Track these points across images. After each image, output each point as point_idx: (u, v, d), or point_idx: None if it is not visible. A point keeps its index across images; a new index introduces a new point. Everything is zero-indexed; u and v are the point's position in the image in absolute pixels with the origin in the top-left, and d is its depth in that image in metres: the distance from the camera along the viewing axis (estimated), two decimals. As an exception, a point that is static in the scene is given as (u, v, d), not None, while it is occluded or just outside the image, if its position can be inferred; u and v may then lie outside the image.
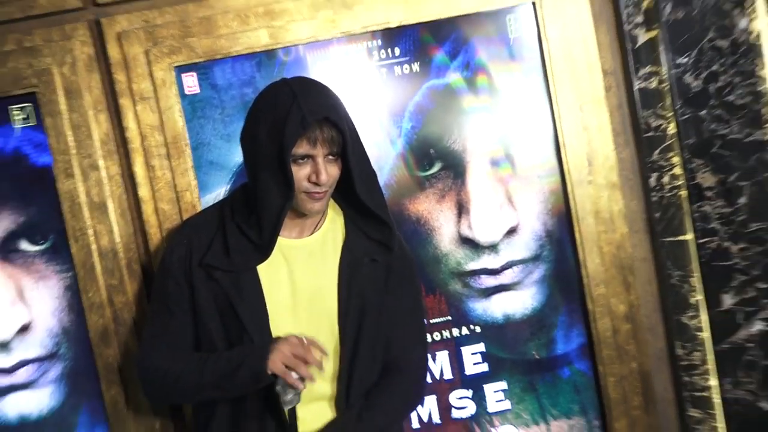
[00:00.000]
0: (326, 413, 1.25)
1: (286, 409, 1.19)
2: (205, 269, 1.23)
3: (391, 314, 1.29)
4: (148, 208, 1.46)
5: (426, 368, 1.38)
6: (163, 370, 1.26)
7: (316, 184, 1.20)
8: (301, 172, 1.19)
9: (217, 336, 1.24)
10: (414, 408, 1.45)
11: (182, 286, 1.25)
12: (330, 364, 1.24)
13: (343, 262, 1.26)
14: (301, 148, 1.18)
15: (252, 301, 1.22)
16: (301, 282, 1.25)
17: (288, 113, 1.17)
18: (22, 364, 1.47)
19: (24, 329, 1.47)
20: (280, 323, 1.24)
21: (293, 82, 1.22)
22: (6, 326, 1.46)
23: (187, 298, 1.25)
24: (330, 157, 1.21)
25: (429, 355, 1.51)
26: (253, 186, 1.23)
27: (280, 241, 1.24)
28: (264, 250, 1.22)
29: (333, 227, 1.29)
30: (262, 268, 1.24)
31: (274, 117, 1.20)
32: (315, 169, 1.19)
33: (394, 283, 1.29)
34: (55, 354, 1.48)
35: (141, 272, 1.48)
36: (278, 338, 1.20)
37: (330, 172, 1.21)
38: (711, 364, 1.55)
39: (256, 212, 1.22)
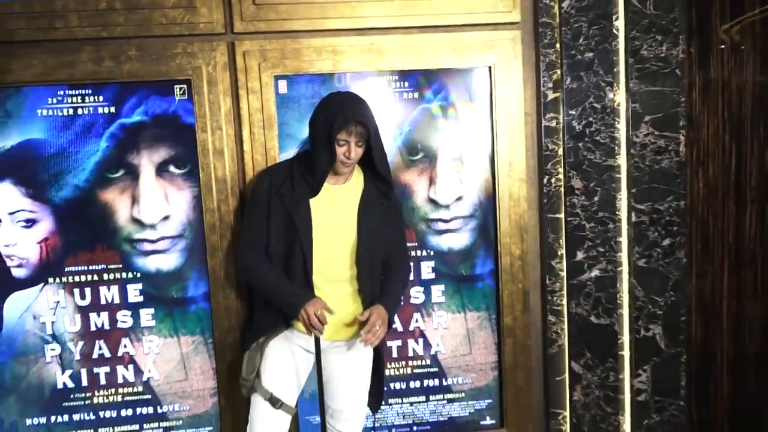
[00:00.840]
0: (347, 290, 1.92)
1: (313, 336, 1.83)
2: (279, 197, 1.88)
3: (388, 235, 1.96)
4: (247, 157, 2.21)
5: (410, 266, 2.11)
6: (255, 268, 1.87)
7: (348, 158, 1.84)
8: (339, 150, 1.83)
9: (278, 239, 1.87)
10: (406, 288, 2.19)
11: (265, 206, 1.88)
12: (347, 258, 1.92)
13: (362, 201, 1.92)
14: (342, 136, 1.81)
15: (304, 218, 1.87)
16: (335, 210, 1.89)
17: (336, 113, 1.79)
18: (162, 238, 2.22)
19: (165, 218, 2.21)
20: (320, 233, 1.87)
21: (343, 94, 1.89)
22: (155, 215, 2.21)
23: (266, 214, 1.88)
24: (359, 143, 1.84)
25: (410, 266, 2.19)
26: (312, 152, 1.90)
27: (325, 186, 1.91)
28: (315, 190, 1.89)
29: (357, 182, 1.95)
30: (312, 201, 1.88)
31: (328, 113, 1.81)
32: (348, 149, 1.83)
33: (390, 217, 1.97)
34: (182, 235, 2.23)
35: (239, 194, 2.22)
36: (314, 297, 1.82)
37: (357, 153, 1.85)
38: (565, 291, 2.36)
39: (312, 167, 1.88)
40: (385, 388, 2.38)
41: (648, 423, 2.43)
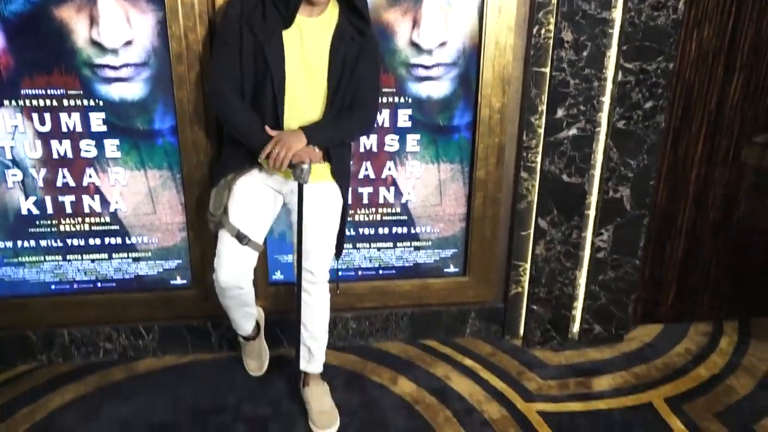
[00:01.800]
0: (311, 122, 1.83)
1: (299, 182, 1.79)
2: (249, 27, 1.75)
3: (359, 72, 1.85)
4: None
5: (376, 108, 1.95)
6: (225, 100, 1.77)
7: None
8: None
9: (249, 71, 1.77)
10: (365, 132, 2.06)
11: (237, 33, 1.77)
12: (320, 97, 1.83)
13: (335, 35, 1.82)
14: None
15: (276, 51, 1.77)
16: (307, 44, 1.80)
17: None
18: (125, 65, 2.08)
19: (128, 43, 2.06)
20: (291, 67, 1.78)
21: None
22: (116, 39, 2.05)
23: (238, 42, 1.77)
24: None
25: (378, 110, 2.14)
26: None
27: (298, 18, 1.78)
28: (288, 21, 1.77)
29: (331, 15, 1.84)
30: (285, 33, 1.78)
31: None
32: None
33: (363, 54, 1.85)
34: (146, 63, 2.08)
35: (207, 23, 2.06)
36: (278, 134, 1.76)
37: None
38: (540, 148, 2.33)
39: None
40: (354, 233, 2.42)
41: (603, 278, 2.54)
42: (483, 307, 2.58)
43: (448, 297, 2.53)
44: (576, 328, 2.64)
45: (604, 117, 2.34)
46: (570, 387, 2.32)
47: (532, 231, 2.46)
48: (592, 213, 2.47)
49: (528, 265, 2.52)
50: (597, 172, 2.41)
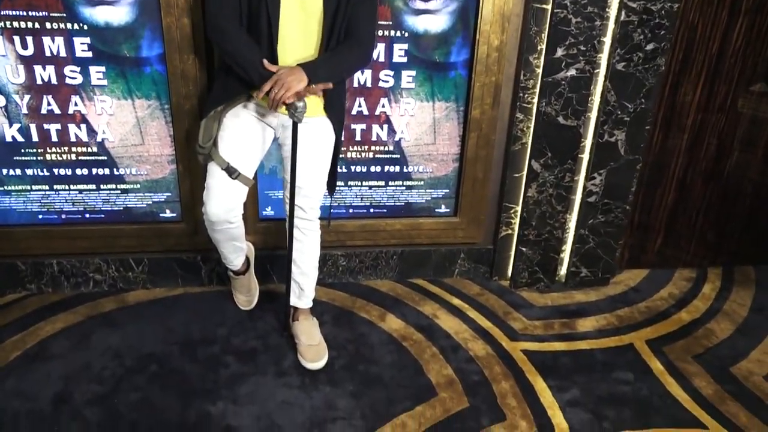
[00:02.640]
0: (307, 59, 1.77)
1: (294, 120, 1.73)
2: None
3: (355, 5, 1.78)
4: None
5: (373, 43, 1.88)
6: (225, 29, 1.71)
7: None
8: None
9: (244, 2, 1.71)
10: (361, 67, 1.93)
11: None
12: (315, 32, 1.77)
13: None
14: None
15: None
16: None
17: None
18: None
19: None
20: (286, 3, 1.71)
21: None
22: None
23: None
24: None
25: (375, 46, 2.02)
26: None
27: None
28: None
29: None
30: None
31: None
32: None
33: None
34: None
35: None
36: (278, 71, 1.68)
37: None
38: (537, 89, 2.28)
39: None
40: (346, 170, 2.39)
41: (592, 222, 2.53)
42: (472, 248, 2.58)
43: (438, 237, 2.52)
44: (563, 270, 2.65)
45: (603, 58, 2.28)
46: (554, 327, 2.34)
47: (525, 173, 2.43)
48: (585, 157, 2.44)
49: (519, 208, 2.50)
50: (593, 115, 2.36)
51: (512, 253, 2.59)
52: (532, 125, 2.35)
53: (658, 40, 2.24)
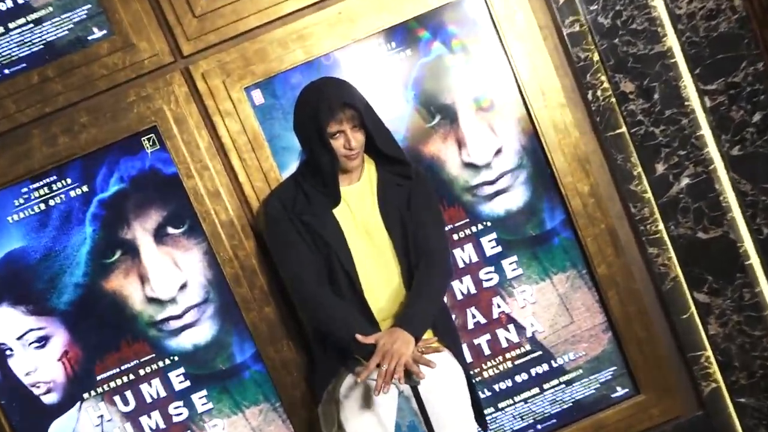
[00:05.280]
0: (394, 289, 1.84)
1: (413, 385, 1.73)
2: (298, 218, 1.83)
3: (417, 218, 1.86)
4: (247, 188, 2.15)
5: (448, 253, 1.97)
6: (318, 298, 1.79)
7: (350, 149, 1.79)
8: (338, 143, 1.78)
9: (310, 259, 1.81)
10: (448, 284, 1.99)
11: (292, 228, 1.82)
12: (390, 258, 1.84)
13: (379, 191, 1.87)
14: (333, 128, 1.77)
15: (334, 232, 1.82)
16: (358, 212, 1.86)
17: (318, 105, 1.76)
18: (187, 309, 2.17)
19: (183, 287, 2.17)
20: (353, 240, 1.83)
21: (318, 81, 1.86)
22: (170, 287, 2.17)
23: (296, 234, 1.81)
24: (354, 128, 1.79)
25: (453, 249, 2.17)
26: (309, 157, 1.86)
27: (342, 190, 1.85)
28: (334, 197, 1.84)
29: (369, 173, 1.91)
30: (335, 211, 1.85)
31: (309, 109, 1.80)
32: (347, 140, 1.78)
33: (415, 197, 1.88)
34: (207, 299, 2.18)
35: (253, 233, 2.16)
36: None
37: (357, 139, 1.79)
38: (657, 214, 2.21)
39: (318, 174, 1.83)
40: (489, 393, 2.29)
41: (808, 331, 2.20)
42: (678, 423, 2.31)
43: (632, 427, 2.29)
44: (807, 405, 2.25)
45: (712, 151, 2.21)
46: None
47: (693, 311, 2.26)
48: (754, 261, 2.22)
49: (709, 353, 2.28)
50: (736, 214, 2.21)
51: (731, 410, 2.28)
52: (672, 255, 2.24)
53: (763, 107, 2.14)
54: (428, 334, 1.85)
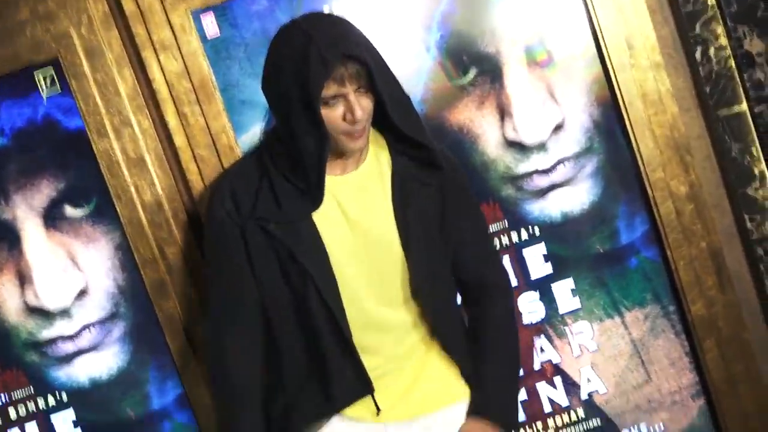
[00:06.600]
0: (399, 334, 1.49)
1: None
2: (257, 225, 1.41)
3: (458, 234, 1.51)
4: (185, 156, 1.74)
5: (507, 274, 1.65)
6: (223, 366, 1.47)
7: (353, 122, 1.37)
8: (334, 114, 1.35)
9: (280, 290, 1.42)
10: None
11: (237, 239, 1.42)
12: (400, 295, 1.45)
13: (396, 191, 1.46)
14: (330, 90, 1.34)
15: (311, 249, 1.41)
16: (356, 218, 1.45)
17: (307, 57, 1.33)
18: (85, 327, 1.77)
19: (81, 294, 1.77)
20: (343, 265, 1.43)
21: (304, 22, 1.39)
22: (63, 293, 1.76)
23: (242, 255, 1.43)
24: (360, 90, 1.38)
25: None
26: (285, 133, 1.41)
27: (329, 181, 1.41)
28: (314, 197, 1.40)
29: (377, 158, 1.48)
30: (317, 216, 1.42)
31: (293, 63, 1.36)
32: (348, 108, 1.35)
33: (453, 201, 1.51)
34: (116, 314, 1.78)
35: (188, 221, 1.75)
36: None
37: (365, 106, 1.37)
38: None
39: (296, 159, 1.39)
40: None
41: None
42: None
43: None
44: None
45: None
46: None
47: None
48: None
49: None
50: None
51: None
52: None
53: None
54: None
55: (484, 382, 1.55)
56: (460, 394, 1.55)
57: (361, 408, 1.48)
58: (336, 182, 1.47)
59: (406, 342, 1.53)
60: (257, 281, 1.47)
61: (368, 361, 1.48)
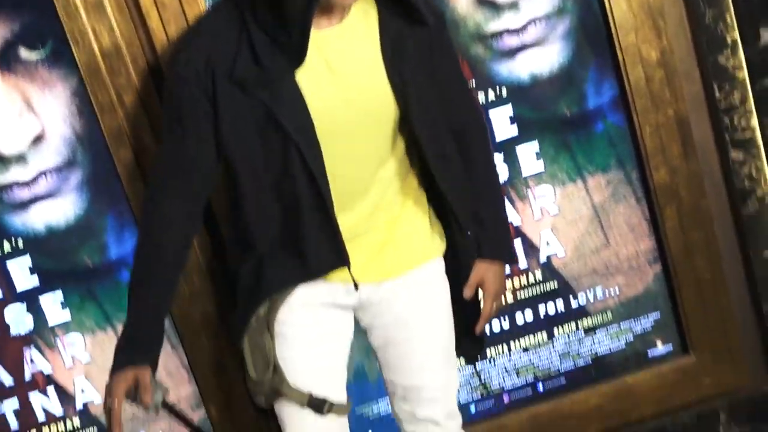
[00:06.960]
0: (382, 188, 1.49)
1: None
2: (235, 84, 1.34)
3: (444, 79, 1.50)
4: (146, 1, 1.64)
5: (485, 123, 1.68)
6: (148, 233, 1.46)
7: None
8: None
9: (257, 154, 1.38)
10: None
11: (201, 103, 1.35)
12: (388, 145, 1.44)
13: (385, 42, 1.40)
14: None
15: (296, 110, 1.34)
16: (343, 71, 1.38)
17: None
18: (41, 174, 1.75)
19: (37, 140, 1.75)
20: (326, 124, 1.37)
21: None
22: (18, 138, 1.73)
23: (207, 117, 1.36)
24: None
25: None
26: None
27: (313, 35, 1.32)
28: (299, 51, 1.32)
29: (364, 12, 1.41)
30: (300, 73, 1.35)
31: None
32: None
33: (439, 48, 1.48)
34: (73, 161, 1.77)
35: (148, 68, 1.70)
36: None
37: None
38: (750, 104, 1.82)
39: (280, 14, 1.31)
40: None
41: None
42: (737, 398, 2.01)
43: (671, 398, 1.99)
44: None
45: None
46: None
47: None
48: None
49: None
50: None
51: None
52: (765, 165, 1.86)
53: None
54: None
55: (486, 224, 1.61)
56: (433, 251, 1.58)
57: (334, 274, 1.51)
58: (320, 36, 1.38)
59: (384, 199, 1.54)
60: (225, 147, 1.41)
61: (343, 221, 1.48)
